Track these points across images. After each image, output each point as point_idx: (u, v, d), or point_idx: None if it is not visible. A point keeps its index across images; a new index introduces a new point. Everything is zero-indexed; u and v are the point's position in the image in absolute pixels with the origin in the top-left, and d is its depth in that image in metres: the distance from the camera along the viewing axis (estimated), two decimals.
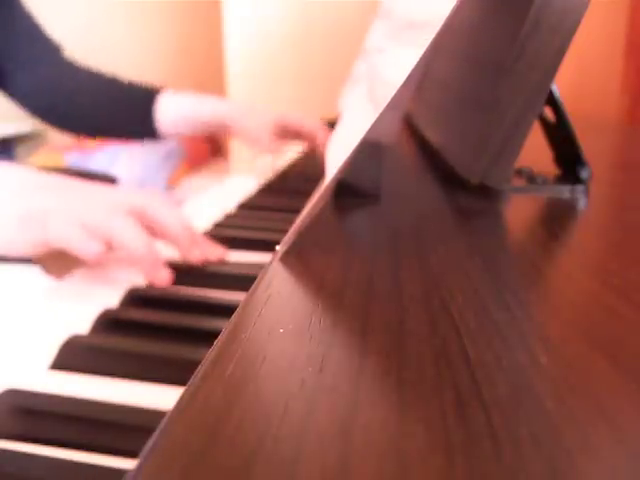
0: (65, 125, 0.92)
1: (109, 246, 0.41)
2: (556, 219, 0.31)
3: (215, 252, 0.46)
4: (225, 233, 0.54)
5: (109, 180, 1.11)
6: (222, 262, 0.46)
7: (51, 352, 0.32)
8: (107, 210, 0.41)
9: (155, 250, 0.41)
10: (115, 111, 0.88)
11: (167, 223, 0.44)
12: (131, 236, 0.40)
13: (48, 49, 0.88)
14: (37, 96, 0.88)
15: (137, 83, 0.89)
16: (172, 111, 0.85)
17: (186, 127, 0.85)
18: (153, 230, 0.44)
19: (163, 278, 0.41)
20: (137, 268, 0.42)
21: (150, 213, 0.44)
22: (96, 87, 0.88)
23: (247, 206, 0.65)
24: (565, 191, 0.35)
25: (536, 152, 0.42)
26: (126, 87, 0.88)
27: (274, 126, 0.79)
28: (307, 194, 0.64)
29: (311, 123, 0.82)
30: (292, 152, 1.02)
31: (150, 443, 0.13)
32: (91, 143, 2.10)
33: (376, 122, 0.25)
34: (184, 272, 0.44)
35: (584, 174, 0.36)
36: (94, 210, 0.41)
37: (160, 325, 0.35)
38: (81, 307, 0.39)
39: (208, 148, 2.33)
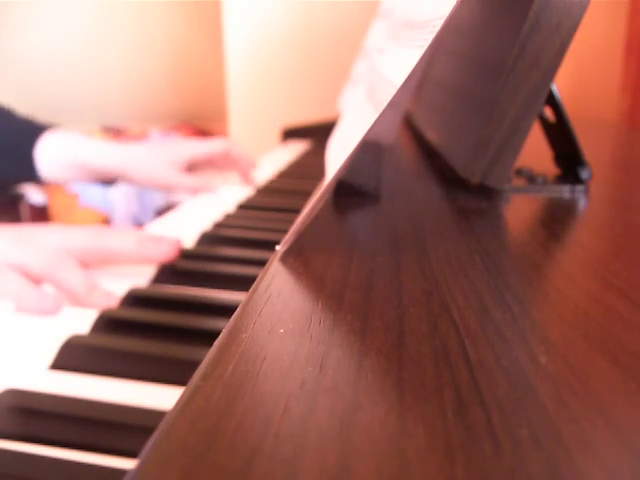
0: None
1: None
2: (556, 219, 0.31)
3: (107, 300, 0.40)
4: (225, 233, 0.54)
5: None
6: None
7: (51, 352, 0.32)
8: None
9: (49, 297, 0.38)
10: None
11: (66, 287, 0.39)
12: (15, 289, 0.37)
13: None
14: None
15: (26, 119, 0.76)
16: (56, 154, 0.72)
17: (73, 173, 0.73)
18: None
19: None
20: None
21: (42, 276, 0.39)
22: None
23: (247, 206, 0.64)
24: (565, 191, 0.35)
25: (536, 152, 0.42)
26: (9, 122, 0.76)
27: (178, 163, 0.70)
28: (307, 194, 0.64)
29: (219, 146, 0.72)
30: (292, 154, 1.02)
31: (150, 443, 0.13)
32: None
33: (376, 122, 0.25)
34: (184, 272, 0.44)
35: (584, 174, 0.36)
36: None
37: (160, 325, 0.35)
38: (81, 307, 0.39)
39: None
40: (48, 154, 0.72)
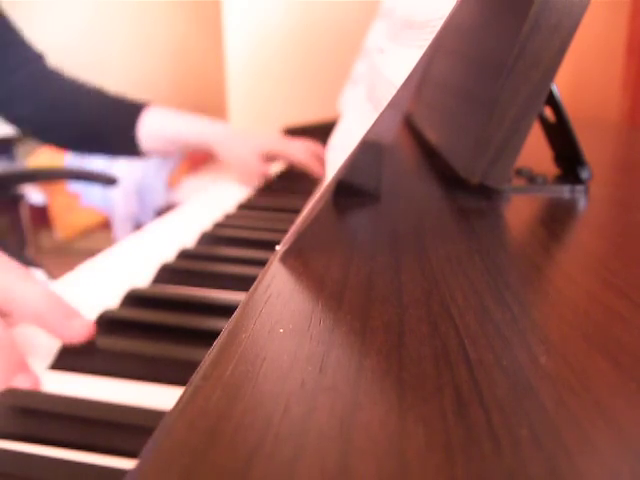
0: (44, 136, 0.88)
1: None
2: (556, 219, 0.31)
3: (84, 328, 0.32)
4: (225, 233, 0.54)
5: (109, 180, 1.11)
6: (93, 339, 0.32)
7: (51, 352, 0.32)
8: None
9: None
10: (98, 124, 0.85)
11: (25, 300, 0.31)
12: None
13: (26, 56, 0.83)
14: (12, 104, 0.83)
15: (123, 97, 0.86)
16: (156, 128, 0.83)
17: (169, 146, 0.83)
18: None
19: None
20: None
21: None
22: (79, 98, 0.85)
23: (247, 206, 0.64)
24: (565, 191, 0.35)
25: (536, 152, 0.42)
26: (111, 100, 0.85)
27: (261, 153, 0.77)
28: (307, 194, 0.64)
29: (297, 149, 0.77)
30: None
31: (150, 443, 0.13)
32: None
33: (376, 122, 0.25)
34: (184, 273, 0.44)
35: (584, 174, 0.36)
36: None
37: (160, 325, 0.35)
38: (81, 307, 0.39)
39: None
40: (148, 128, 0.83)
